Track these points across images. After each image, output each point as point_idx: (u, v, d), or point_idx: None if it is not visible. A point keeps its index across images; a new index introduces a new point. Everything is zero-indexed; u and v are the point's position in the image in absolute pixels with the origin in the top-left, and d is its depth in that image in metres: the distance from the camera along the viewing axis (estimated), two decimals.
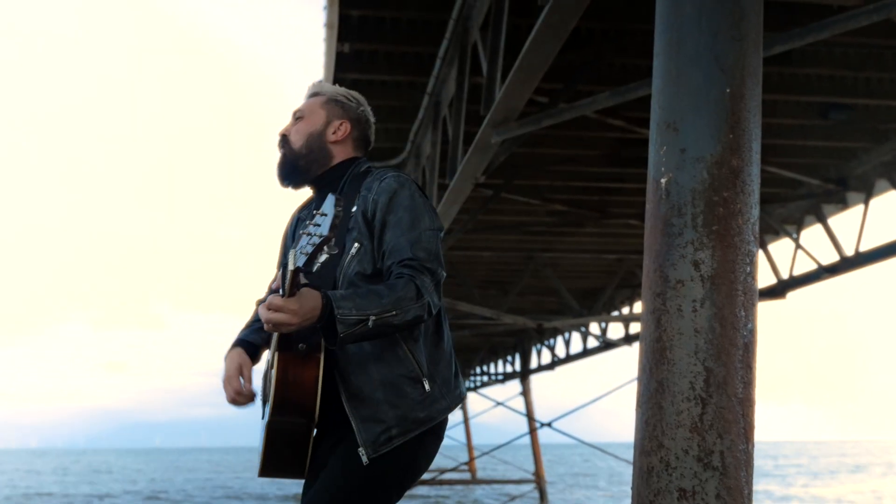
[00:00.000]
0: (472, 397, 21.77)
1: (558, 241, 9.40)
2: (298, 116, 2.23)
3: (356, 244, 2.03)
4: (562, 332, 14.27)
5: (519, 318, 10.00)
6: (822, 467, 44.40)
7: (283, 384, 1.92)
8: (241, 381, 2.07)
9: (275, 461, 2.01)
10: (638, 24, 4.97)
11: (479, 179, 5.42)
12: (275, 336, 1.94)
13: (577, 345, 14.12)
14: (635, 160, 6.61)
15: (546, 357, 15.95)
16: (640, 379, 1.94)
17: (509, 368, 18.36)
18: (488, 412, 19.09)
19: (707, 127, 1.94)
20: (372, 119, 2.27)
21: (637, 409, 1.93)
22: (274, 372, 1.94)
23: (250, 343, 2.15)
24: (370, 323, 1.86)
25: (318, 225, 1.76)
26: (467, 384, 20.98)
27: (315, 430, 2.01)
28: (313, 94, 2.27)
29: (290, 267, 1.77)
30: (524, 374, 17.14)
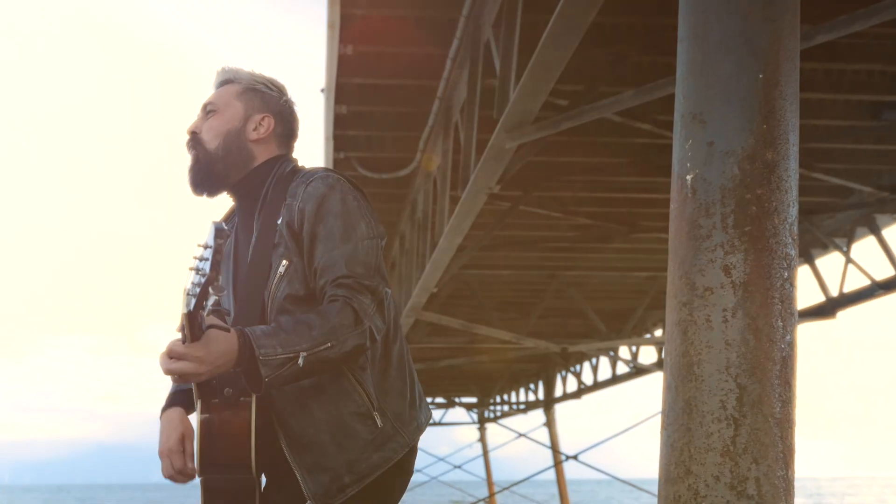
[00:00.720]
0: (491, 428, 21.65)
1: (583, 257, 9.33)
2: (210, 110, 2.03)
3: (284, 261, 1.87)
4: (588, 357, 14.15)
5: (541, 342, 9.92)
6: None
7: (208, 437, 1.76)
8: (184, 457, 1.91)
9: None
10: (666, 18, 4.92)
11: (494, 189, 5.36)
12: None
13: (605, 371, 14.01)
14: (666, 168, 6.52)
15: (572, 384, 15.83)
16: (665, 398, 1.86)
17: (532, 397, 18.23)
18: (509, 444, 18.99)
19: (737, 117, 1.87)
20: (297, 109, 2.09)
21: (662, 432, 1.86)
22: (197, 421, 1.79)
23: (189, 399, 1.95)
24: (300, 361, 1.70)
25: (206, 259, 1.63)
26: (487, 414, 20.85)
27: (262, 478, 1.88)
28: (225, 82, 2.06)
29: (183, 310, 1.63)
30: (548, 403, 17.01)
